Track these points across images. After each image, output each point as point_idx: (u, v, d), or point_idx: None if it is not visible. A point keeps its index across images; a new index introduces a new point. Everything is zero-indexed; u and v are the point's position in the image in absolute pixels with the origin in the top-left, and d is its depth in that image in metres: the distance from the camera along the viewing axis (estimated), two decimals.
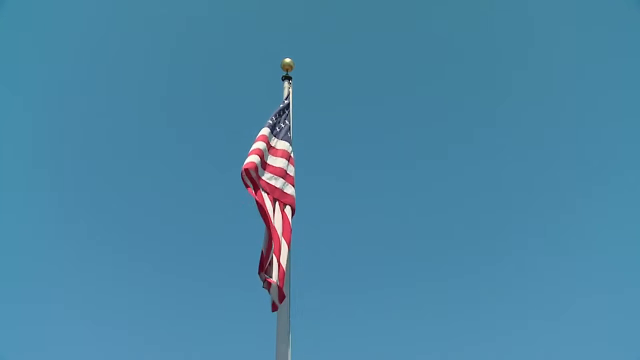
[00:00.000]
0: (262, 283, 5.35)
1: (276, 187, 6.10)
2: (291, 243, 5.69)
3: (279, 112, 7.06)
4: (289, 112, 7.28)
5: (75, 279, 16.51)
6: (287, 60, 7.73)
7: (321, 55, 20.78)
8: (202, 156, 19.98)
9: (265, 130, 6.54)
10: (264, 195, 5.83)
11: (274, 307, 5.34)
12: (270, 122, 6.78)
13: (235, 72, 20.63)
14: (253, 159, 5.96)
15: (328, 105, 19.79)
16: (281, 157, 6.51)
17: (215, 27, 20.51)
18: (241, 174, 5.76)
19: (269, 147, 6.48)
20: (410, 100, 20.68)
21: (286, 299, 5.43)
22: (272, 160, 6.37)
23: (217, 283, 17.95)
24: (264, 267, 5.43)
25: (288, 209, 6.04)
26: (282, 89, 7.57)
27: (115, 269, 17.30)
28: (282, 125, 6.96)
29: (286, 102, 7.36)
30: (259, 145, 6.24)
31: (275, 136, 6.73)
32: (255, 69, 19.90)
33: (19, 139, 17.14)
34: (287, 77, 7.65)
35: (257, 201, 5.63)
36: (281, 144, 6.70)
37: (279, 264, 5.30)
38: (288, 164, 6.52)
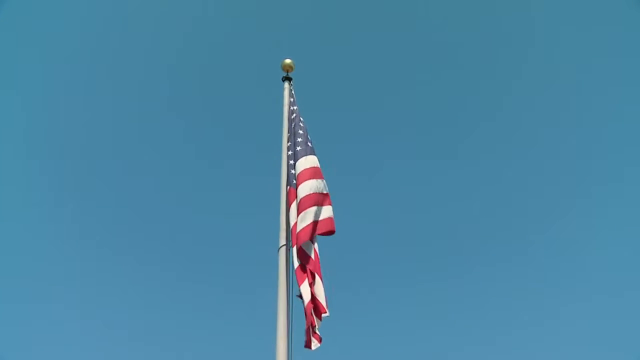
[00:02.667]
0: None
1: (309, 226, 5.68)
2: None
3: (293, 129, 6.78)
4: (297, 116, 7.08)
5: (75, 279, 16.56)
6: (288, 61, 7.74)
7: (321, 55, 20.84)
8: (202, 156, 20.04)
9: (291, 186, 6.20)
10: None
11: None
12: (290, 152, 6.52)
13: (236, 73, 20.68)
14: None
15: (328, 106, 19.85)
16: (310, 178, 6.05)
17: (216, 29, 20.56)
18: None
19: (297, 183, 6.05)
20: (410, 101, 20.73)
21: (285, 297, 5.46)
22: (302, 190, 5.93)
23: (218, 283, 18.00)
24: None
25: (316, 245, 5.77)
26: (283, 89, 7.58)
27: (116, 269, 17.36)
28: (300, 140, 6.56)
29: (293, 108, 7.18)
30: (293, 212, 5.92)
31: (298, 158, 6.33)
32: (256, 70, 19.98)
33: (19, 139, 17.19)
34: (287, 78, 7.67)
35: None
36: (307, 161, 6.26)
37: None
38: (320, 181, 6.07)
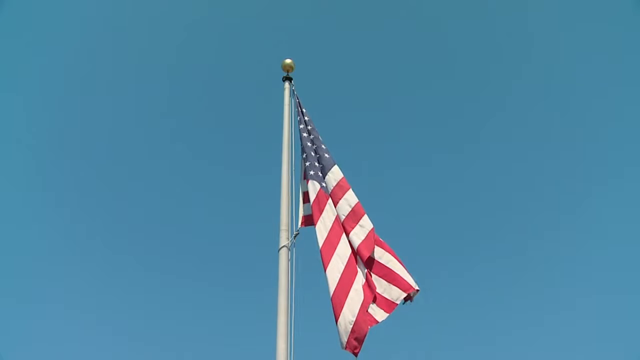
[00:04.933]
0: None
1: (364, 241, 5.77)
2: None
3: (309, 131, 6.87)
4: (310, 120, 7.14)
5: (75, 279, 16.57)
6: (288, 61, 7.71)
7: (322, 55, 20.84)
8: (203, 156, 20.06)
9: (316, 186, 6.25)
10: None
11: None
12: (317, 154, 6.59)
13: (236, 74, 20.69)
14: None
15: (328, 106, 19.84)
16: (345, 192, 6.17)
17: (216, 29, 20.56)
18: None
19: (335, 200, 6.15)
20: (409, 101, 20.75)
21: (286, 298, 5.47)
22: (341, 208, 6.03)
23: (218, 283, 18.01)
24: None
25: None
26: (283, 89, 7.53)
27: (116, 269, 17.37)
28: (324, 147, 6.71)
29: (303, 110, 7.22)
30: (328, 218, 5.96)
31: (328, 167, 6.44)
32: (255, 70, 19.98)
33: (19, 139, 17.20)
34: (287, 78, 7.63)
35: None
36: (335, 174, 6.38)
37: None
38: (350, 192, 6.19)
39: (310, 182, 6.33)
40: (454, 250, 18.67)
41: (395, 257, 5.58)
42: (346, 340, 5.00)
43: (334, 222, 5.93)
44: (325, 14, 21.32)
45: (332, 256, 5.57)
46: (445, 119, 20.34)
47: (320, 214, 5.98)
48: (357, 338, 5.00)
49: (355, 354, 4.98)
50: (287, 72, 7.67)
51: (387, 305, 5.26)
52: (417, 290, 5.33)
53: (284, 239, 5.89)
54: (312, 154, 6.66)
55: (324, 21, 21.37)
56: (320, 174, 6.42)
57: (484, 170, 19.88)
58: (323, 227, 5.86)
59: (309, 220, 6.24)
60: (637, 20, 15.98)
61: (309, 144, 6.79)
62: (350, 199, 6.11)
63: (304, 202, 6.44)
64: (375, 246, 5.67)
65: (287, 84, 7.56)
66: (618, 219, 16.88)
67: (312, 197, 6.17)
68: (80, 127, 18.67)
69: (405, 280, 5.35)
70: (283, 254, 5.77)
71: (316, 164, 6.53)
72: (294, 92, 7.50)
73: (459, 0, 20.29)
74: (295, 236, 5.96)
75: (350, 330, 5.02)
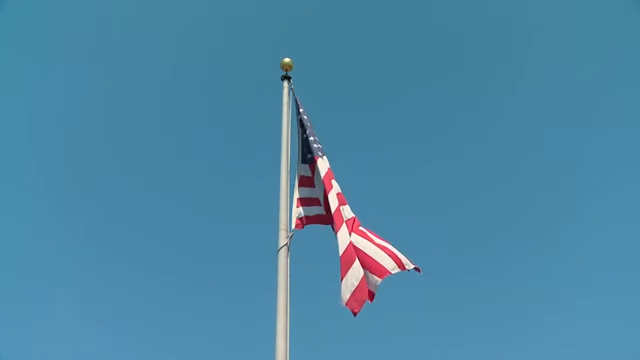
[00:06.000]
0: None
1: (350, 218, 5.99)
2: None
3: (305, 130, 7.04)
4: (308, 118, 7.25)
5: (75, 279, 16.57)
6: (287, 60, 7.70)
7: (321, 55, 20.83)
8: (202, 156, 20.05)
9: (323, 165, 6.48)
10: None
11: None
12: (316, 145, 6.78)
13: (235, 73, 20.68)
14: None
15: (327, 105, 19.84)
16: (332, 179, 6.36)
17: (215, 29, 20.56)
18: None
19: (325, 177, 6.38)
20: (408, 100, 20.73)
21: (285, 298, 5.46)
22: (335, 186, 6.25)
23: (217, 283, 18.00)
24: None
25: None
26: (282, 88, 7.53)
27: (115, 269, 17.36)
28: (317, 139, 6.93)
29: (301, 110, 7.32)
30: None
31: (319, 157, 6.63)
32: (254, 70, 19.97)
33: (19, 139, 17.20)
34: (286, 77, 7.62)
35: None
36: (324, 164, 6.58)
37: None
38: (335, 182, 6.39)
39: (319, 159, 6.59)
40: (454, 250, 18.67)
41: (375, 244, 5.65)
42: (347, 298, 5.23)
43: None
44: (324, 14, 21.33)
45: (341, 225, 5.77)
46: (445, 118, 20.36)
47: (332, 187, 6.22)
48: (357, 301, 5.22)
49: (355, 314, 5.19)
50: (286, 71, 7.67)
51: (369, 291, 5.39)
52: (410, 270, 5.48)
53: (283, 239, 5.88)
54: (316, 139, 6.89)
55: (323, 20, 21.39)
56: (321, 155, 6.70)
57: (484, 170, 19.88)
58: (333, 199, 6.06)
59: (305, 222, 6.38)
60: (637, 20, 15.97)
61: (307, 134, 6.96)
62: (335, 187, 6.31)
63: (297, 206, 6.46)
64: (352, 232, 5.78)
65: (285, 83, 7.57)
66: (618, 220, 16.88)
67: (324, 172, 6.41)
68: (80, 127, 18.69)
69: (380, 265, 5.46)
70: (282, 254, 5.76)
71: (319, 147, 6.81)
72: (292, 91, 7.51)
73: (459, 0, 20.29)
74: (290, 237, 5.95)
75: (352, 291, 5.24)
